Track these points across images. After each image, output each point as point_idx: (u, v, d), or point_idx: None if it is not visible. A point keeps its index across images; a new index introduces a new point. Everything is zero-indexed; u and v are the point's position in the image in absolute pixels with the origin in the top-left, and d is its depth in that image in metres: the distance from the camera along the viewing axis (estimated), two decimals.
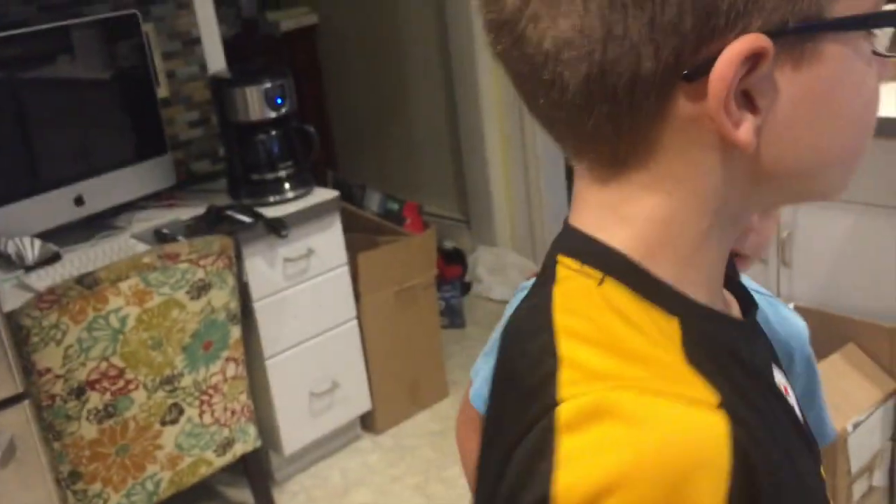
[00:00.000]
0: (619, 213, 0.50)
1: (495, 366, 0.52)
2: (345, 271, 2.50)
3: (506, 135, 3.48)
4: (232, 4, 3.77)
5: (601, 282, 0.49)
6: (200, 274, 2.01)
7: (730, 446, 0.40)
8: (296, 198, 2.40)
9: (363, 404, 2.64)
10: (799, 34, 0.45)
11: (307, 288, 2.41)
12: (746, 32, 0.44)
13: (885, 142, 1.93)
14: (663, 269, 0.50)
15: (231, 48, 2.79)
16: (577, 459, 0.41)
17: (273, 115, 2.36)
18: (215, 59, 2.60)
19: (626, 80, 0.45)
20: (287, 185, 2.41)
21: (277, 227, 2.26)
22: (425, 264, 2.74)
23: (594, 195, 0.52)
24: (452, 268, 3.41)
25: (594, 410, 0.41)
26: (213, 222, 2.26)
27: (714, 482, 0.39)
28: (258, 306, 2.30)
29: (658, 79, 0.45)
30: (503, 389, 0.50)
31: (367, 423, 2.73)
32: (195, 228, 2.24)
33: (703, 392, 0.42)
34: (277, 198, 2.38)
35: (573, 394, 0.43)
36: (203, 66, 2.66)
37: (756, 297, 0.62)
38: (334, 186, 2.71)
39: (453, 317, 3.30)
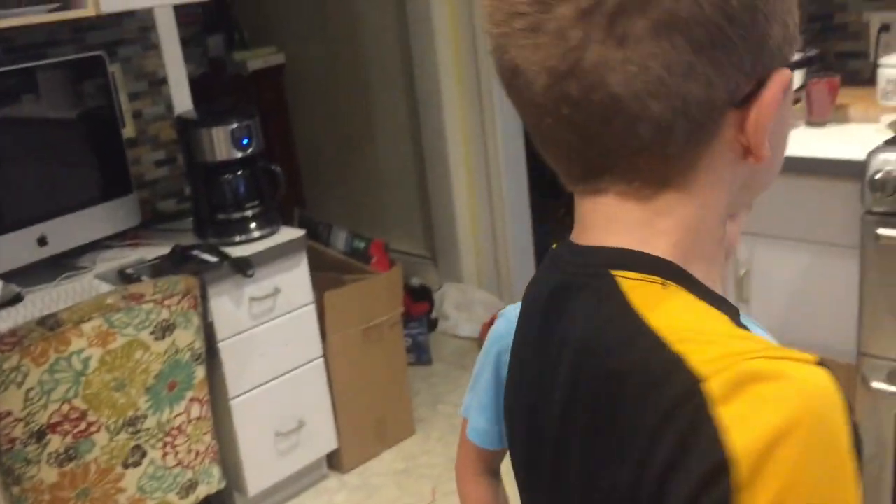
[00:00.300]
0: (656, 228, 0.58)
1: (576, 383, 0.56)
2: (311, 310, 2.50)
3: (472, 172, 3.52)
4: (199, 44, 3.80)
5: (665, 287, 0.56)
6: (165, 314, 2.01)
7: (839, 390, 0.48)
8: (262, 237, 2.41)
9: (329, 443, 2.63)
10: (794, 68, 0.57)
11: (273, 327, 2.41)
12: (777, 67, 0.55)
13: (840, 183, 1.99)
14: (696, 271, 0.58)
15: (198, 87, 2.82)
16: (742, 421, 0.46)
17: (239, 155, 2.37)
18: (182, 100, 2.61)
19: (701, 112, 0.54)
20: (253, 225, 2.42)
21: (243, 267, 2.26)
22: (391, 302, 2.76)
23: (627, 213, 0.58)
24: (419, 305, 3.42)
25: (739, 379, 0.48)
26: (178, 262, 2.26)
27: (843, 416, 0.48)
28: (223, 346, 2.30)
29: (720, 109, 0.54)
30: (605, 395, 0.53)
31: (334, 462, 2.72)
32: (160, 268, 2.23)
33: (800, 354, 0.50)
34: (243, 237, 2.39)
35: (713, 370, 0.48)
36: (170, 106, 2.68)
37: None
38: (301, 225, 2.73)
39: (420, 354, 3.30)
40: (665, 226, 0.57)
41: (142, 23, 2.63)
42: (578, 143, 0.57)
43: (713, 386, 0.48)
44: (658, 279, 0.56)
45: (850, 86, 2.36)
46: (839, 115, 2.28)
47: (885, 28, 2.44)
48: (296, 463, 2.54)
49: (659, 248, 0.57)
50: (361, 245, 2.90)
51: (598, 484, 0.54)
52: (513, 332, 0.95)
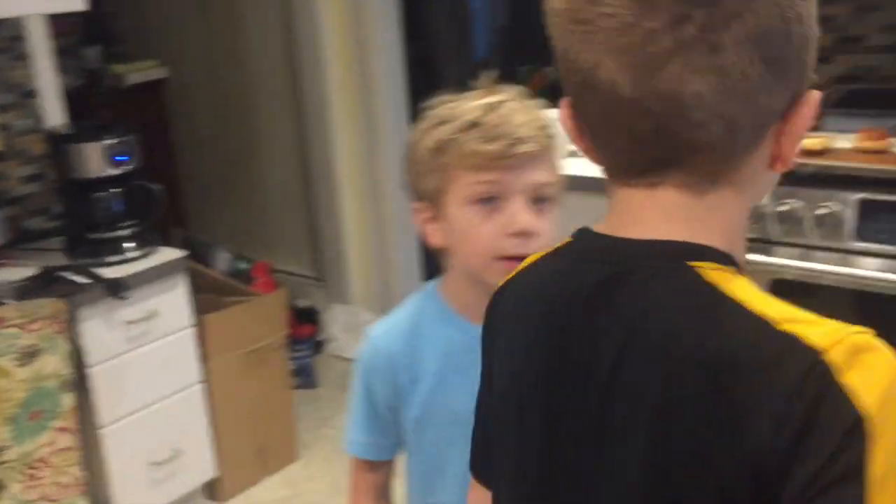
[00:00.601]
0: (709, 222, 0.65)
1: (658, 367, 0.60)
2: (190, 334, 2.42)
3: (360, 192, 3.50)
4: (75, 55, 3.64)
5: (740, 276, 0.64)
6: (30, 339, 1.90)
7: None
8: (138, 257, 2.32)
9: (208, 472, 2.54)
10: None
11: (149, 351, 2.31)
12: (809, 88, 0.64)
13: None
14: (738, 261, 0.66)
15: (74, 100, 2.69)
16: (865, 384, 0.55)
17: (115, 172, 2.28)
18: (54, 113, 2.49)
19: (763, 119, 0.63)
20: (129, 245, 2.32)
21: (116, 289, 2.16)
22: (275, 325, 2.70)
23: (683, 207, 0.65)
24: (305, 327, 3.37)
25: (852, 351, 0.56)
26: (46, 284, 2.15)
27: None
28: (94, 372, 2.19)
29: (772, 119, 0.63)
30: (709, 377, 0.58)
31: (213, 491, 2.63)
32: (26, 290, 2.11)
33: (867, 329, 0.59)
34: (118, 258, 2.29)
35: (829, 344, 0.56)
36: (40, 119, 2.55)
37: None
38: (182, 245, 2.63)
39: (305, 377, 3.25)
40: (716, 220, 0.65)
41: (12, 31, 2.50)
42: (652, 136, 0.62)
43: (833, 358, 0.56)
44: (731, 269, 0.63)
45: None
46: None
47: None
48: (171, 493, 2.44)
49: (713, 240, 0.64)
50: (245, 266, 2.84)
51: (683, 458, 0.59)
52: (379, 354, 1.08)
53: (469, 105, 1.02)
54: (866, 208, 1.82)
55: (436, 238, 1.06)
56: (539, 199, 1.01)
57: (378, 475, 1.16)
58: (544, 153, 1.02)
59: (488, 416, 0.80)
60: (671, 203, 0.65)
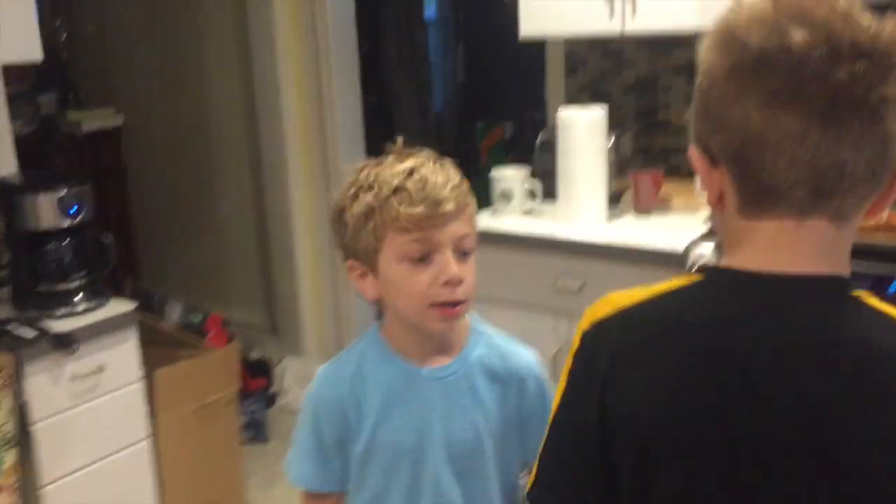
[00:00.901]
0: (840, 257, 0.78)
1: (865, 381, 0.73)
2: (139, 388, 2.37)
3: (315, 243, 3.49)
4: (30, 101, 3.61)
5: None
6: None
7: None
8: (88, 310, 2.27)
9: None
10: None
11: (96, 406, 2.25)
12: None
13: (662, 272, 2.12)
14: None
15: (27, 147, 2.66)
16: None
17: (67, 223, 2.24)
18: (5, 161, 2.46)
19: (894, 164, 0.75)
20: (79, 297, 2.28)
21: (65, 343, 2.12)
22: (227, 379, 2.66)
23: (829, 243, 0.77)
24: (257, 380, 3.32)
25: None
26: None
27: None
28: (38, 428, 2.12)
29: None
30: None
31: None
32: None
33: None
34: (67, 310, 2.24)
35: None
36: None
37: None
38: (134, 296, 2.60)
39: (256, 431, 3.19)
40: (843, 253, 0.78)
41: None
42: (837, 173, 0.73)
43: None
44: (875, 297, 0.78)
45: (672, 179, 2.53)
46: (663, 206, 2.44)
47: None
48: None
49: (847, 271, 0.78)
50: (197, 319, 2.80)
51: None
52: (327, 394, 1.20)
53: (390, 172, 1.11)
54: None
55: (370, 291, 1.16)
56: (461, 250, 1.12)
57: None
58: (463, 209, 1.13)
59: (587, 446, 0.82)
60: (820, 236, 0.76)
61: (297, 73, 3.39)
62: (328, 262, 3.48)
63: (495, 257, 2.40)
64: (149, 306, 2.76)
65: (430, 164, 1.13)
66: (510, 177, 2.51)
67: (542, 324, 2.34)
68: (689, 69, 2.62)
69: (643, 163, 2.64)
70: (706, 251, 2.00)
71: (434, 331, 1.15)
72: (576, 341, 0.86)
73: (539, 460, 0.87)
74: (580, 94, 2.88)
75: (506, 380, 1.20)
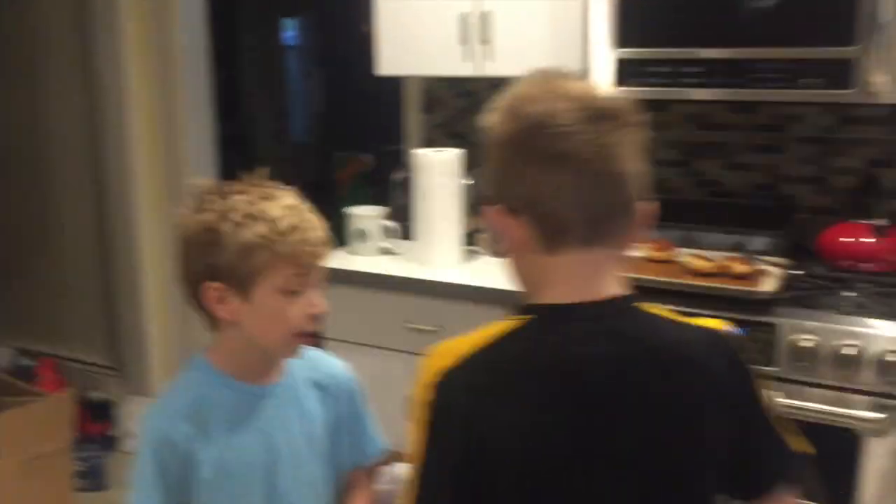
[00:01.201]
0: (622, 278, 0.98)
1: (670, 366, 0.97)
2: None
3: (164, 275, 3.33)
4: None
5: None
6: None
7: None
8: None
9: None
10: None
11: None
12: None
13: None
14: None
15: None
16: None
17: None
18: None
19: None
20: None
21: None
22: (60, 427, 2.49)
23: (612, 268, 0.97)
24: (97, 424, 3.12)
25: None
26: None
27: None
28: None
29: None
30: (694, 358, 0.98)
31: None
32: None
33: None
34: None
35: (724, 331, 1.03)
36: None
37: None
38: None
39: (94, 479, 2.99)
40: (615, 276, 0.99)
41: None
42: (603, 208, 0.94)
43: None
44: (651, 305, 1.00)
45: None
46: None
47: None
48: None
49: (627, 288, 0.99)
50: (28, 363, 2.61)
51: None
52: (166, 431, 1.20)
53: (274, 205, 1.19)
54: None
55: (227, 314, 1.20)
56: (320, 285, 1.24)
57: None
58: (329, 249, 1.25)
59: (472, 479, 0.93)
60: (601, 267, 0.97)
61: (146, 96, 3.24)
62: (176, 297, 3.32)
63: (350, 297, 2.36)
64: None
65: (301, 202, 1.23)
66: (367, 215, 2.48)
67: (395, 363, 2.32)
68: None
69: None
70: None
71: (287, 355, 1.26)
72: (425, 393, 0.94)
73: None
74: (437, 133, 2.89)
75: (326, 387, 1.32)
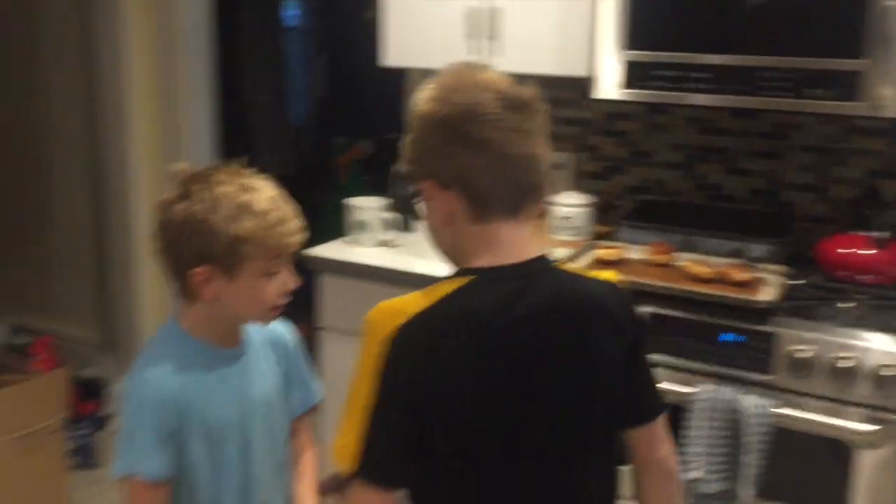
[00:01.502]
0: (539, 241, 1.18)
1: (587, 313, 1.16)
2: None
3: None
4: None
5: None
6: None
7: None
8: None
9: None
10: None
11: None
12: None
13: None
14: None
15: None
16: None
17: None
18: None
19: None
20: None
21: None
22: (53, 406, 2.49)
23: (532, 234, 1.15)
24: (88, 403, 3.12)
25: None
26: None
27: None
28: None
29: None
30: (603, 308, 1.17)
31: None
32: None
33: None
34: None
35: (617, 284, 1.23)
36: None
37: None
38: None
39: (85, 457, 3.00)
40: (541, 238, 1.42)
41: None
42: (522, 184, 1.13)
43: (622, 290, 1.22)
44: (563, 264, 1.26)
45: None
46: None
47: (555, 166, 2.72)
48: None
49: (545, 250, 1.18)
50: (23, 341, 2.60)
51: (608, 356, 1.16)
52: (157, 392, 1.30)
53: (260, 197, 1.30)
54: (656, 322, 1.94)
55: (209, 293, 1.31)
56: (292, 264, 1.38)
57: (165, 496, 1.31)
58: None
59: (410, 424, 1.09)
60: (524, 232, 1.15)
61: (145, 74, 3.23)
62: None
63: (349, 287, 2.36)
64: None
65: (279, 191, 1.34)
66: (367, 206, 2.48)
67: None
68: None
69: None
70: None
71: (263, 324, 1.41)
72: (379, 347, 1.09)
73: (364, 448, 1.10)
74: None
75: (276, 345, 1.47)
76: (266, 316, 1.38)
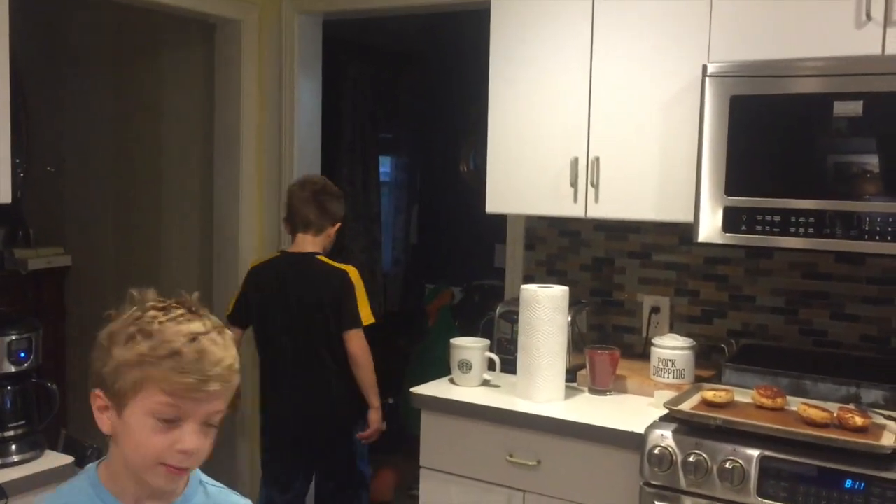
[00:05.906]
0: (319, 247, 2.90)
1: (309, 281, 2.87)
2: None
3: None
4: None
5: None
6: None
7: None
8: (22, 461, 2.15)
9: None
10: None
11: None
12: None
13: (617, 453, 2.10)
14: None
15: None
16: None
17: (13, 369, 2.16)
18: None
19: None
20: (14, 447, 2.15)
21: None
22: None
23: (315, 242, 2.88)
24: None
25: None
26: None
27: None
28: None
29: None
30: (327, 280, 2.86)
31: None
32: None
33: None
34: (1, 461, 2.12)
35: (347, 270, 2.91)
36: None
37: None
38: (66, 447, 2.47)
39: None
40: (325, 247, 2.91)
41: None
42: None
43: (351, 274, 2.84)
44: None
45: (625, 358, 2.58)
46: (618, 386, 2.47)
47: (655, 310, 2.75)
48: None
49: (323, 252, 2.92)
50: None
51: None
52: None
53: (174, 330, 1.12)
54: (766, 465, 1.90)
55: (106, 426, 1.16)
56: (208, 423, 1.14)
57: None
58: (228, 389, 1.15)
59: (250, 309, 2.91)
60: (309, 239, 2.86)
61: (257, 226, 3.43)
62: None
63: (450, 427, 2.38)
64: (82, 460, 2.62)
65: (214, 335, 1.15)
66: (470, 347, 2.53)
67: (494, 497, 2.30)
68: (642, 253, 2.76)
69: (597, 340, 2.70)
70: (667, 432, 2.03)
71: (155, 485, 1.16)
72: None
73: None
74: (537, 269, 2.97)
75: None
76: (154, 473, 1.13)
